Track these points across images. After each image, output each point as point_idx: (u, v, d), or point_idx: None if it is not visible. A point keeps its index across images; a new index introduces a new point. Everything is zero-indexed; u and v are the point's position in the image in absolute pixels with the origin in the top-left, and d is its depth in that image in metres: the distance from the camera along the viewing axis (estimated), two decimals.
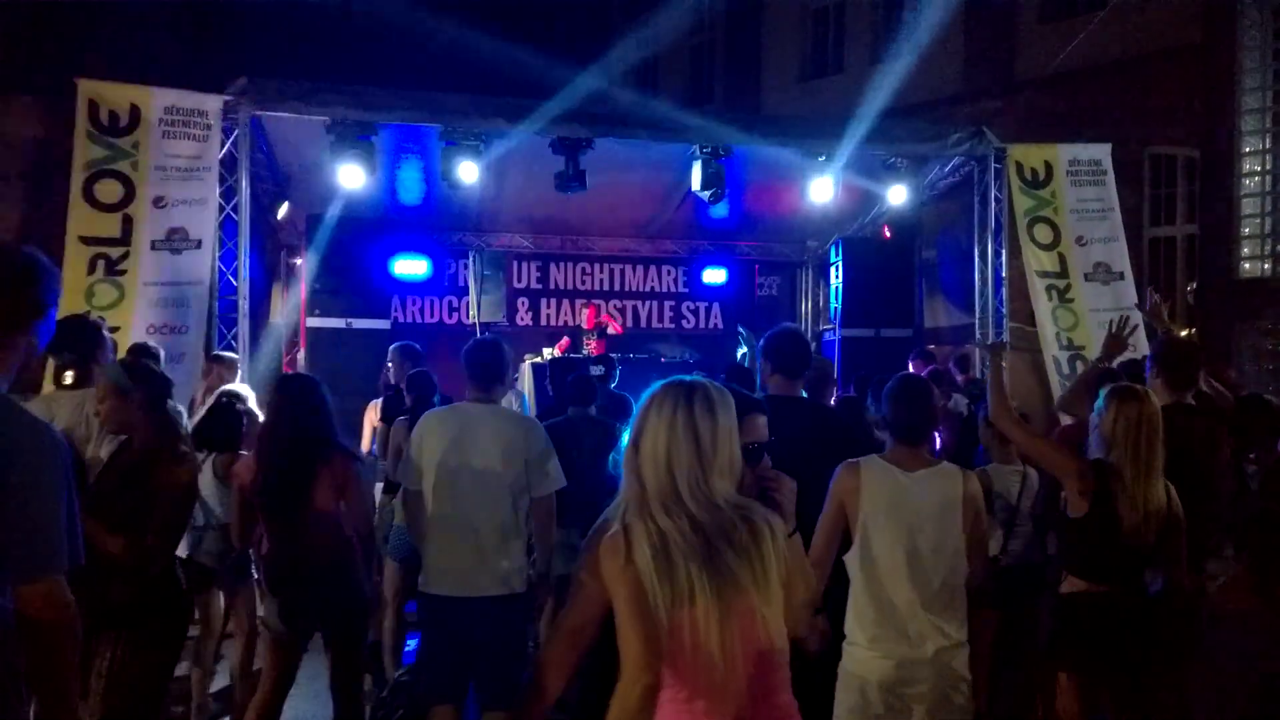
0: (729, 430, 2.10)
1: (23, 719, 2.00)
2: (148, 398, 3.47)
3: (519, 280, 12.88)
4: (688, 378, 2.17)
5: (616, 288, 13.27)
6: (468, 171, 8.18)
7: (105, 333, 4.65)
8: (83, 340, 4.38)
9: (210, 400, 5.24)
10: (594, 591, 2.11)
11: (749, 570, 2.01)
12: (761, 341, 4.08)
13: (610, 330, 11.50)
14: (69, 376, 4.31)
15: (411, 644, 5.46)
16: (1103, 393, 3.60)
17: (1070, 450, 3.74)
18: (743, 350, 11.19)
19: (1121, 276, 8.88)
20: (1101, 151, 9.09)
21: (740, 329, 10.97)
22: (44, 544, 1.99)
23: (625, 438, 2.18)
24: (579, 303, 12.93)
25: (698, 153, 8.62)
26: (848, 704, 3.07)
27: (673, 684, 2.02)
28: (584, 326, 11.58)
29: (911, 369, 8.41)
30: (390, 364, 6.88)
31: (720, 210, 10.65)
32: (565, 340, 11.22)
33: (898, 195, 9.37)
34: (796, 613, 2.19)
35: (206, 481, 4.61)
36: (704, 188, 8.74)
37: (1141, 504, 3.36)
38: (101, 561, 3.10)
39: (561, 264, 13.05)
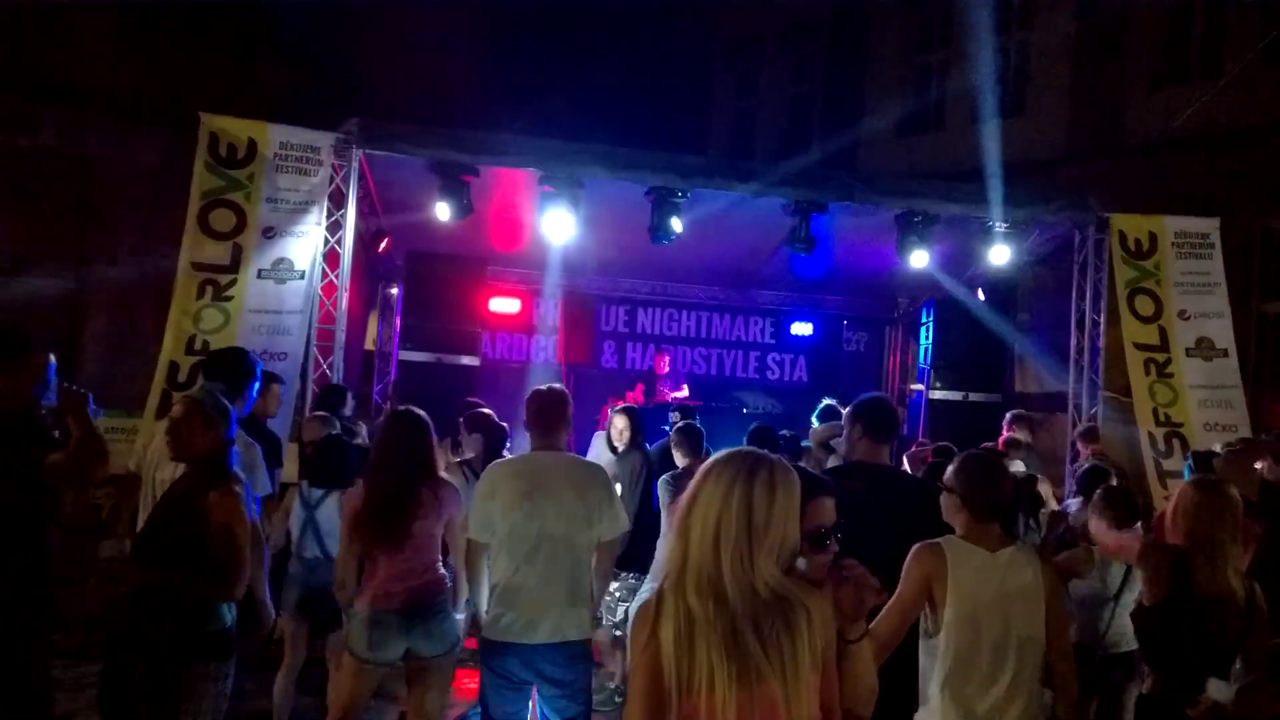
0: (786, 510, 2.05)
1: None
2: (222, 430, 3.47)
3: (606, 323, 13.00)
4: (756, 451, 2.13)
5: (703, 334, 13.30)
6: (564, 221, 8.31)
7: (259, 367, 4.86)
8: (236, 371, 4.60)
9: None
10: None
11: (776, 663, 1.97)
12: (850, 406, 4.04)
13: (657, 370, 11.53)
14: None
15: None
16: (1184, 482, 3.61)
17: (1147, 537, 3.67)
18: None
19: (1225, 354, 8.58)
20: (1210, 225, 8.83)
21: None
22: None
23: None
24: (664, 347, 13.00)
25: (792, 206, 8.62)
26: None
27: None
28: (657, 373, 11.62)
29: (1006, 432, 8.23)
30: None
31: (811, 264, 10.62)
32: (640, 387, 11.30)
33: (996, 257, 9.20)
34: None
35: (329, 517, 4.85)
36: (796, 241, 8.73)
37: (1217, 592, 3.26)
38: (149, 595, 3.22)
39: (649, 309, 13.14)
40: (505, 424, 6.12)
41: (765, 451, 2.15)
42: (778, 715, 1.98)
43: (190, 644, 3.24)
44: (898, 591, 3.04)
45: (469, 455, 5.84)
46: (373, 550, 3.99)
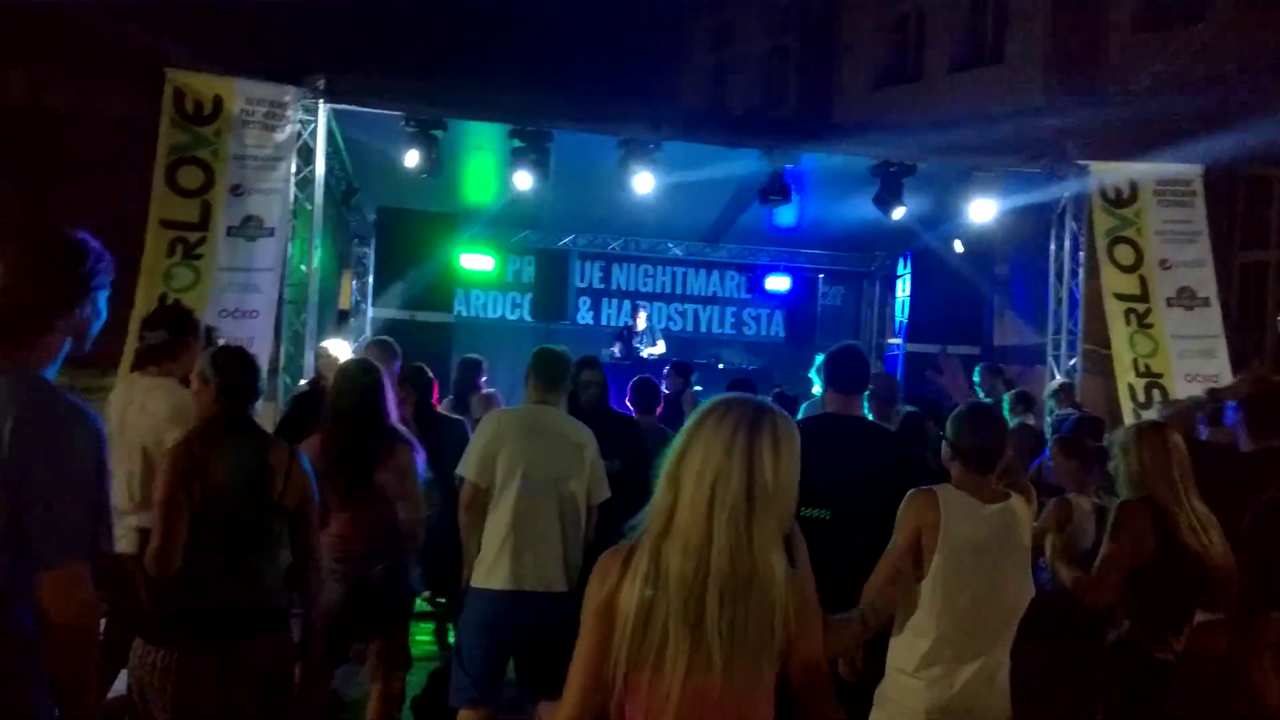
0: (791, 472, 1.85)
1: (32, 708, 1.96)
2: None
3: (581, 279, 12.89)
4: (756, 399, 1.94)
5: (678, 291, 13.23)
6: (534, 171, 8.17)
7: (198, 319, 4.48)
8: (173, 321, 4.29)
9: None
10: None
11: (732, 656, 1.77)
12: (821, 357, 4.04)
13: (635, 326, 11.45)
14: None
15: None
16: (1117, 436, 3.58)
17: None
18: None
19: (1207, 303, 8.58)
20: (1193, 172, 8.80)
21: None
22: (65, 531, 1.96)
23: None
24: (639, 303, 12.92)
25: (765, 159, 8.51)
26: None
27: None
28: (636, 329, 11.52)
29: (978, 380, 8.24)
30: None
31: (786, 217, 10.54)
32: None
33: (974, 208, 9.14)
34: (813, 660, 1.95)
35: None
36: (770, 194, 8.63)
37: (1198, 534, 3.29)
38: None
39: (624, 265, 13.03)
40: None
41: (766, 400, 1.99)
42: (719, 713, 1.79)
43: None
44: (892, 540, 3.00)
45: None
46: (329, 502, 3.90)
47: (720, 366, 11.92)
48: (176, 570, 2.94)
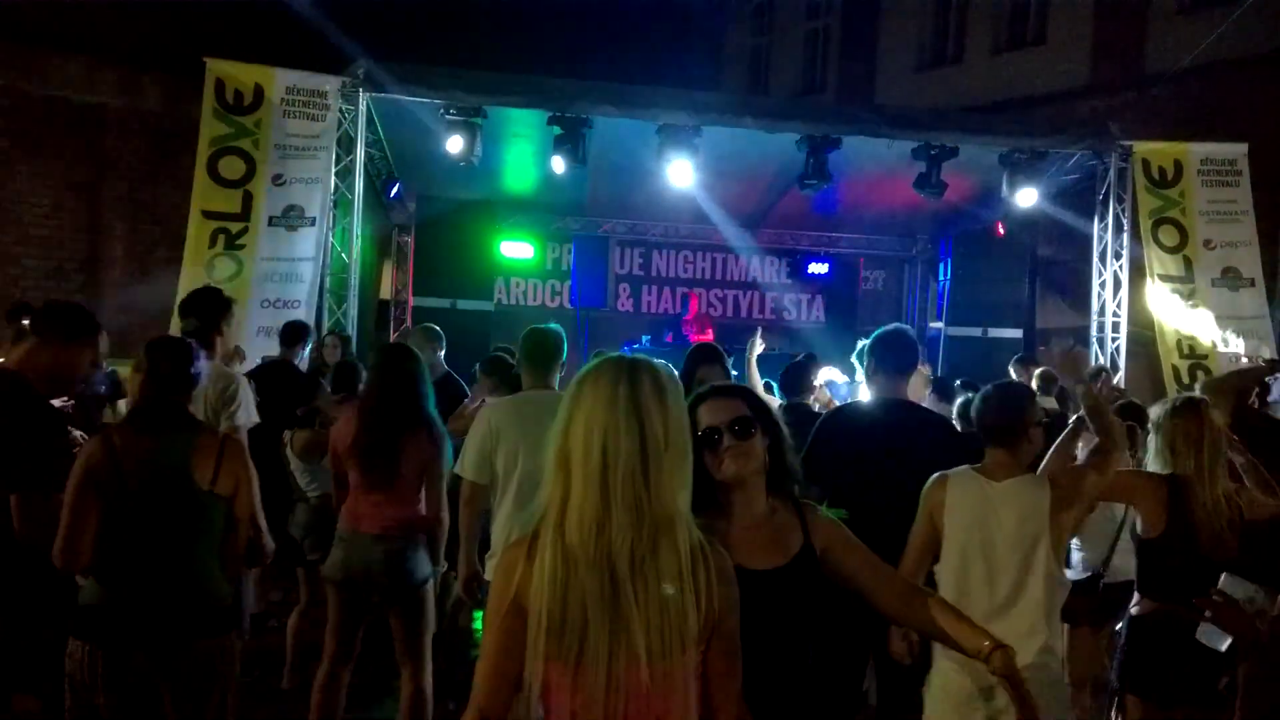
0: (680, 418, 1.72)
1: None
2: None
3: (621, 266, 12.92)
4: (623, 355, 1.82)
5: (718, 277, 13.21)
6: (573, 158, 8.19)
7: (234, 310, 4.54)
8: (208, 309, 4.30)
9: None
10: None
11: (650, 630, 1.63)
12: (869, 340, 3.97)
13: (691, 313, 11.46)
14: None
15: None
16: (1154, 410, 3.53)
17: (1139, 471, 3.60)
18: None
19: (1252, 283, 8.42)
20: (1237, 151, 8.63)
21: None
22: None
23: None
24: (679, 290, 12.93)
25: (805, 143, 8.46)
26: (950, 707, 2.96)
27: None
28: (687, 317, 11.52)
29: (1013, 375, 8.13)
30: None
31: (827, 202, 10.48)
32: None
33: (1016, 191, 9.02)
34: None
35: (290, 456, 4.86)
36: (810, 179, 8.58)
37: (1218, 512, 3.24)
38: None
39: (664, 251, 13.03)
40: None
41: (633, 355, 1.85)
42: (658, 699, 1.65)
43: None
44: (915, 523, 3.04)
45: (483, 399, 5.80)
46: (359, 483, 3.95)
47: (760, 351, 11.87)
48: (90, 564, 2.81)
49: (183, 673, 2.83)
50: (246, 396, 4.24)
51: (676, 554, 1.66)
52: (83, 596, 2.85)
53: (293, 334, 6.23)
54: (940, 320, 11.46)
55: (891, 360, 3.80)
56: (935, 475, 3.08)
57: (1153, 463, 3.46)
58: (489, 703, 1.72)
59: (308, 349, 6.33)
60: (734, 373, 6.71)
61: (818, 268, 13.02)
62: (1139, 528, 3.46)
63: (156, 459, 2.88)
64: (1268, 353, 7.82)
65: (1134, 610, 3.46)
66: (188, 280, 7.02)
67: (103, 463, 2.82)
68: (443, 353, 6.04)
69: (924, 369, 7.58)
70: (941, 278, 11.57)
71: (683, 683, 1.68)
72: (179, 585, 2.86)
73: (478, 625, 5.76)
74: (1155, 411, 3.54)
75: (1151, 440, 3.49)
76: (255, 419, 4.32)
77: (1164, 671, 3.29)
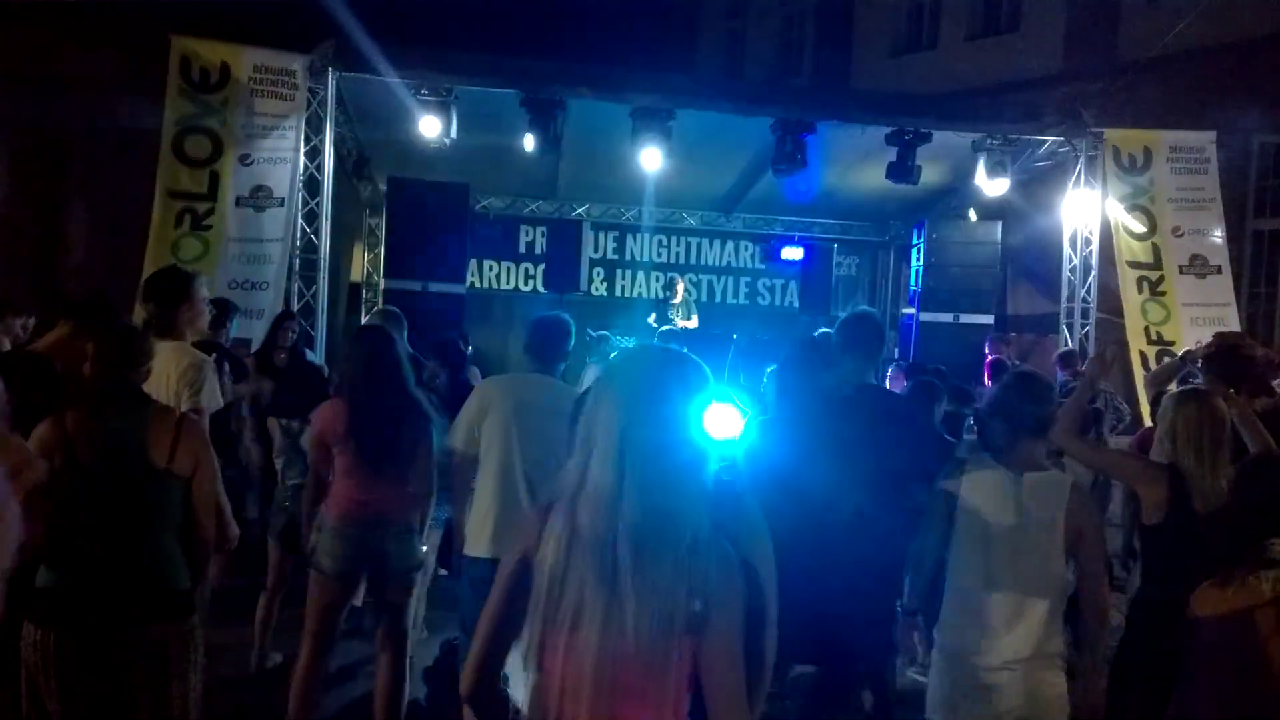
0: (700, 414, 1.78)
1: None
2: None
3: (595, 250, 12.87)
4: (660, 345, 1.92)
5: (692, 261, 13.19)
6: (546, 141, 8.14)
7: (197, 286, 4.32)
8: (167, 293, 4.14)
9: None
10: None
11: (643, 614, 1.67)
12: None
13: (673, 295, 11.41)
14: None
15: None
16: (1163, 401, 3.52)
17: (1142, 456, 3.62)
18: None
19: (1219, 270, 8.51)
20: (1205, 139, 8.70)
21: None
22: None
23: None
24: (653, 274, 12.91)
25: (779, 127, 8.45)
26: (956, 690, 2.98)
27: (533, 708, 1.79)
28: (674, 301, 11.45)
29: (988, 351, 8.21)
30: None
31: (801, 187, 10.47)
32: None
33: (989, 177, 9.06)
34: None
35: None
36: (784, 163, 8.57)
37: (1214, 502, 3.24)
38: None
39: (638, 235, 12.99)
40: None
41: (671, 347, 1.93)
42: (642, 676, 1.70)
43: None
44: (931, 508, 3.02)
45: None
46: (341, 466, 3.92)
47: (735, 337, 11.90)
48: (43, 546, 2.74)
49: (140, 658, 2.77)
50: (210, 378, 4.17)
51: (681, 541, 1.70)
52: (39, 580, 2.79)
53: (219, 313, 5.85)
54: (913, 306, 11.49)
55: (859, 345, 3.81)
56: (953, 461, 3.07)
57: (1155, 451, 3.46)
58: (487, 656, 1.83)
59: (233, 328, 6.07)
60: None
61: (792, 253, 13.01)
62: (1143, 515, 3.48)
63: (109, 438, 2.82)
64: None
65: (1134, 596, 3.48)
66: (153, 262, 6.90)
67: (55, 444, 2.77)
68: (405, 334, 5.99)
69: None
70: (914, 263, 11.59)
71: (668, 666, 1.71)
72: (135, 567, 2.81)
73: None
74: (1164, 402, 3.56)
75: (1160, 430, 3.47)
76: (220, 401, 4.25)
77: (1160, 657, 3.32)
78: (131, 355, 2.99)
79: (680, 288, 11.47)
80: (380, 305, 10.40)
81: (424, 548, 4.32)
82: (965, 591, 2.98)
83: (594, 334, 10.49)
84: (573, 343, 4.20)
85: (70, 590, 2.76)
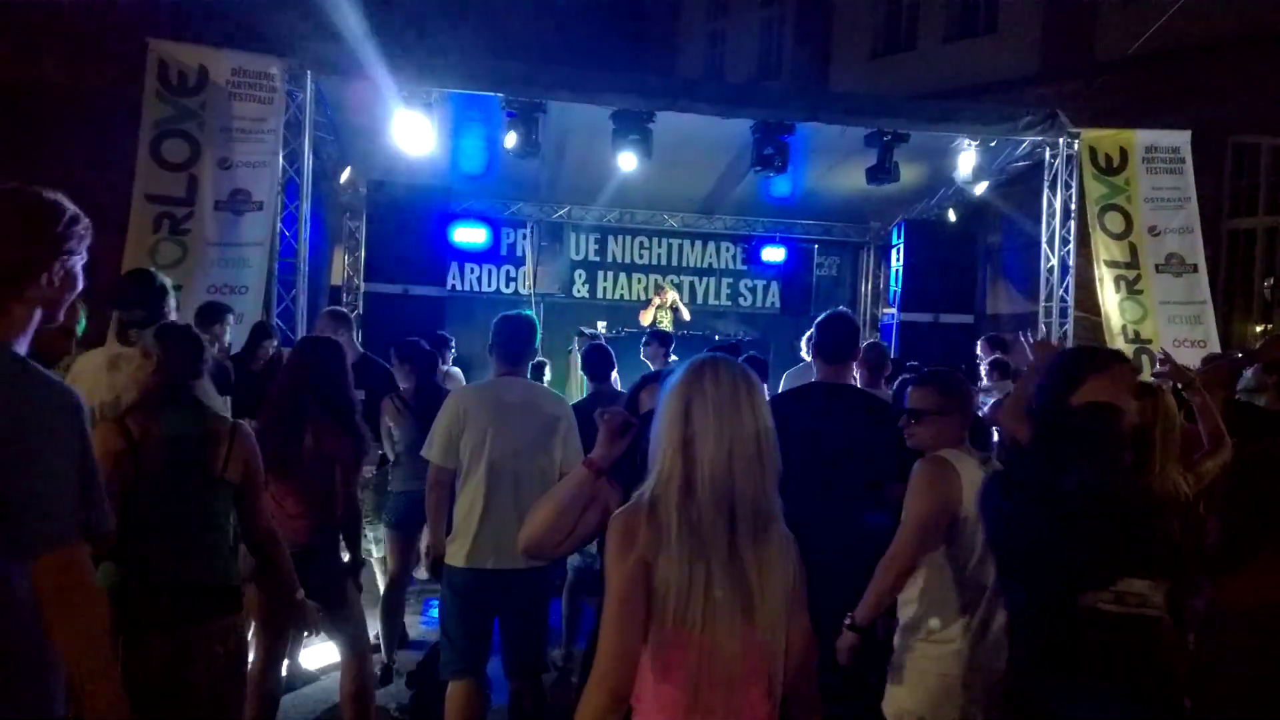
0: (771, 421, 1.95)
1: (46, 700, 1.88)
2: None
3: (577, 252, 12.88)
4: (728, 356, 2.01)
5: (674, 263, 13.21)
6: (527, 143, 8.12)
7: (171, 292, 4.34)
8: (152, 297, 4.13)
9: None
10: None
11: (767, 599, 1.85)
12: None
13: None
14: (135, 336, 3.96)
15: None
16: None
17: None
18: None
19: (1195, 269, 8.59)
20: (1180, 138, 8.78)
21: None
22: (55, 513, 1.84)
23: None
24: (635, 276, 12.93)
25: (759, 129, 8.47)
26: (930, 695, 2.96)
27: (645, 689, 1.83)
28: (659, 302, 11.45)
29: (980, 353, 8.22)
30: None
31: (781, 188, 10.51)
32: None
33: (967, 177, 9.13)
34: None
35: None
36: (765, 164, 8.60)
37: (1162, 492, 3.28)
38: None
39: (620, 237, 13.00)
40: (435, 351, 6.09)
41: (734, 358, 2.04)
42: (761, 660, 1.86)
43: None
44: (915, 511, 2.98)
45: (403, 386, 5.74)
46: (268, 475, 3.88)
47: (717, 338, 11.93)
48: (112, 548, 2.80)
49: (200, 655, 2.90)
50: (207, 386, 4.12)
51: (780, 536, 1.91)
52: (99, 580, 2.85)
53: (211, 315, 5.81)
54: (893, 306, 11.55)
55: (830, 345, 3.84)
56: (933, 460, 3.03)
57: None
58: (619, 679, 1.82)
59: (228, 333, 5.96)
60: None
61: (773, 254, 13.06)
62: None
63: (172, 443, 2.95)
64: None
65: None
66: (130, 265, 6.84)
67: (124, 447, 2.89)
68: (354, 334, 5.97)
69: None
70: (894, 264, 11.65)
71: (781, 646, 1.89)
72: (196, 569, 2.95)
73: (434, 613, 5.75)
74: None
75: None
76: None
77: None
78: (198, 364, 3.12)
79: (669, 295, 11.51)
80: (359, 309, 10.38)
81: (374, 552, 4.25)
82: (966, 578, 3.02)
83: (586, 332, 10.51)
84: (538, 340, 4.19)
85: (133, 590, 2.84)
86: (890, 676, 3.06)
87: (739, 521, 1.83)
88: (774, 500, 1.89)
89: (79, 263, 2.04)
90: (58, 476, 1.85)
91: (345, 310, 6.03)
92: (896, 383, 5.74)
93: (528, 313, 4.19)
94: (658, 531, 1.82)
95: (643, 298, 12.44)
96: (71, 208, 2.02)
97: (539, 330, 4.15)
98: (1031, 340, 3.97)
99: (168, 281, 4.33)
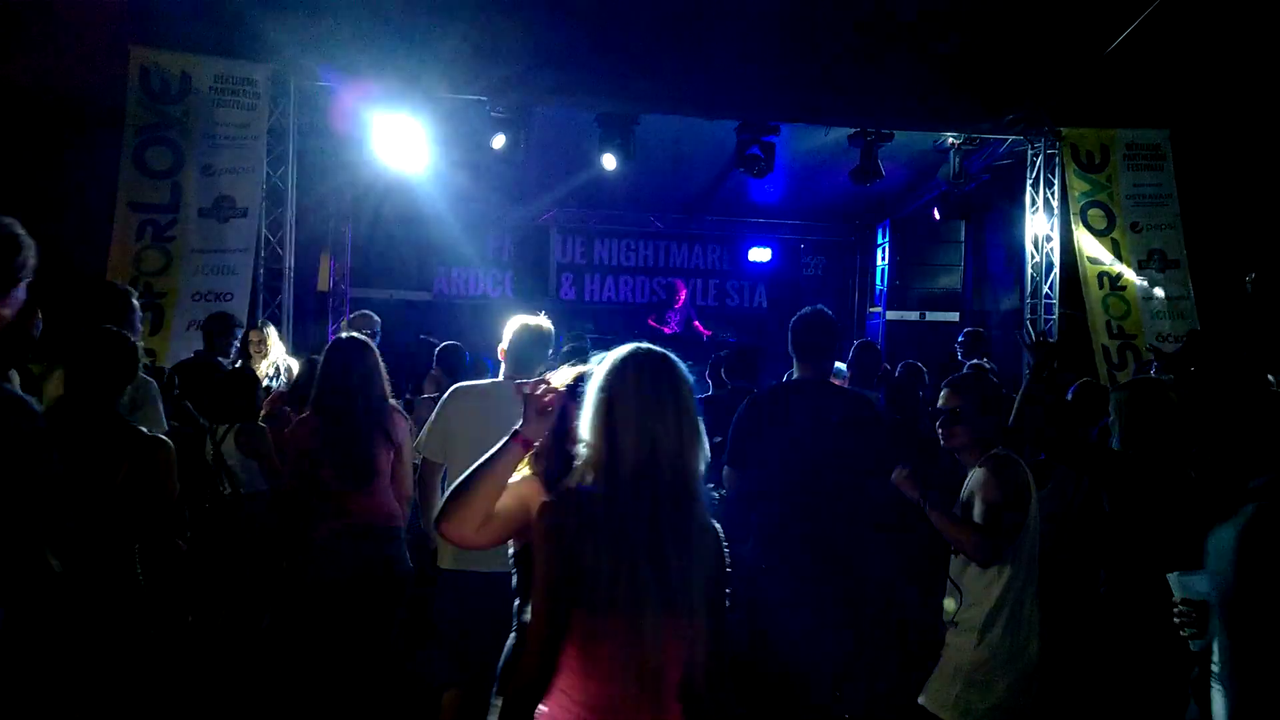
0: (695, 404, 1.93)
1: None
2: None
3: (563, 255, 12.87)
4: (648, 345, 1.99)
5: (661, 264, 13.22)
6: (512, 146, 8.14)
7: (135, 301, 4.35)
8: (114, 309, 4.10)
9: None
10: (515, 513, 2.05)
11: (681, 591, 1.82)
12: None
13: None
14: None
15: None
16: (1117, 392, 3.61)
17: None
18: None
19: (1177, 265, 8.65)
20: (1160, 136, 8.84)
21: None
22: (31, 528, 1.90)
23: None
24: (623, 278, 12.94)
25: (744, 130, 8.51)
26: (1015, 687, 3.00)
27: (571, 683, 1.83)
28: (675, 305, 11.47)
29: (960, 356, 8.23)
30: None
31: (767, 188, 10.55)
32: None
33: (950, 177, 9.18)
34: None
35: (230, 452, 4.66)
36: (750, 164, 8.63)
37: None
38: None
39: (606, 240, 13.00)
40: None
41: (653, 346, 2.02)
42: (681, 649, 1.83)
43: None
44: (992, 501, 3.03)
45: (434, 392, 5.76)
46: (326, 481, 3.89)
47: (705, 339, 11.96)
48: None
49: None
50: (156, 403, 4.09)
51: (702, 527, 1.89)
52: None
53: (222, 326, 5.93)
54: (879, 305, 11.59)
55: (810, 343, 3.82)
56: (1005, 458, 3.12)
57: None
58: (545, 667, 1.85)
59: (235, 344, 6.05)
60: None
61: (759, 254, 13.09)
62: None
63: (72, 457, 2.77)
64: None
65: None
66: (115, 273, 6.84)
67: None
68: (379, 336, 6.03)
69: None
70: (880, 263, 11.69)
71: (702, 639, 1.85)
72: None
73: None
74: (1118, 393, 3.61)
75: (1114, 421, 3.53)
76: (164, 427, 4.17)
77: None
78: (115, 375, 3.06)
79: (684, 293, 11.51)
80: (346, 314, 10.36)
81: None
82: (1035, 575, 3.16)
83: (573, 336, 10.50)
84: (551, 347, 4.09)
85: None
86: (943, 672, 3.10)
87: (661, 508, 1.82)
88: (698, 489, 1.89)
89: (25, 285, 2.14)
90: (32, 492, 1.91)
91: (370, 313, 6.15)
92: (881, 389, 5.77)
93: (545, 321, 4.09)
94: (584, 520, 1.81)
95: (630, 300, 12.42)
96: (25, 235, 2.11)
97: (553, 339, 4.08)
98: (1031, 340, 3.99)
99: (131, 291, 4.36)
